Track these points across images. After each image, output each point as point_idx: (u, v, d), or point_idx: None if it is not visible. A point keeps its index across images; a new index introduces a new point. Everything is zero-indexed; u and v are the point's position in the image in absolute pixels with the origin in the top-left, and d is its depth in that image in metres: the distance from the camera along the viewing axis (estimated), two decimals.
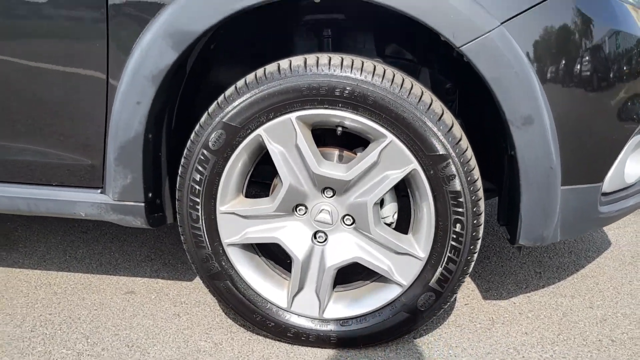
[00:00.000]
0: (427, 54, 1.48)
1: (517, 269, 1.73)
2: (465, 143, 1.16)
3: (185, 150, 1.25)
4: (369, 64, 1.16)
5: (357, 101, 1.14)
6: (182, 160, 1.26)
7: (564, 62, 1.13)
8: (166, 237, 1.96)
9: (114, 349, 1.32)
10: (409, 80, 1.16)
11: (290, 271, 1.31)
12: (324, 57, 1.17)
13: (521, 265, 1.75)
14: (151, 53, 1.18)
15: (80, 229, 2.02)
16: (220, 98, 1.21)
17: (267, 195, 1.32)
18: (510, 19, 1.09)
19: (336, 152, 1.29)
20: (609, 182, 1.27)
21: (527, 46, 1.11)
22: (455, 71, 1.45)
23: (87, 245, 1.90)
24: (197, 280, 1.66)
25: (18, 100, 1.28)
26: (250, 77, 1.20)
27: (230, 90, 1.21)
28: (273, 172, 1.27)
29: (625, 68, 1.19)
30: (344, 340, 1.31)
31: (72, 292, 1.59)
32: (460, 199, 1.16)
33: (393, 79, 1.14)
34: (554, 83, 1.13)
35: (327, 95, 1.15)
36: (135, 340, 1.36)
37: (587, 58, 1.15)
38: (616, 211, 1.31)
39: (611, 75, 1.17)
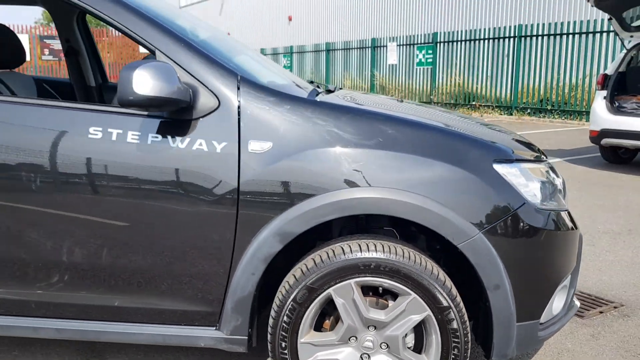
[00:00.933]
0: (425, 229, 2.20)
1: None
2: (459, 298, 1.89)
3: (277, 300, 1.91)
4: (399, 249, 1.88)
5: (393, 273, 1.85)
6: (275, 307, 1.91)
7: (515, 250, 1.90)
8: None
9: None
10: (424, 259, 1.89)
11: None
12: (371, 245, 1.88)
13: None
14: (265, 245, 1.85)
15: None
16: (304, 268, 1.89)
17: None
18: (486, 228, 1.85)
19: (374, 300, 1.98)
20: (544, 316, 2.03)
21: (495, 242, 1.86)
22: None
23: None
24: None
25: (167, 272, 1.90)
26: (324, 255, 1.88)
27: (311, 264, 1.89)
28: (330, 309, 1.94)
29: (549, 250, 1.97)
30: None
31: None
32: (457, 333, 1.88)
33: (415, 259, 1.86)
34: (510, 263, 1.89)
35: (374, 269, 1.86)
36: None
37: (526, 248, 1.92)
38: (548, 334, 2.06)
39: (542, 256, 1.95)
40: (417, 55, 16.64)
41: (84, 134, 1.85)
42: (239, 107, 1.86)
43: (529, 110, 14.02)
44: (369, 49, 19.32)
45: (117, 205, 1.86)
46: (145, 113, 1.86)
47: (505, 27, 14.66)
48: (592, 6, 6.73)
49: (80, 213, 1.88)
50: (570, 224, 2.10)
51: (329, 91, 2.52)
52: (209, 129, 1.85)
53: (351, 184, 1.84)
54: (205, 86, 1.86)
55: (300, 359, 1.93)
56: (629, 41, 7.19)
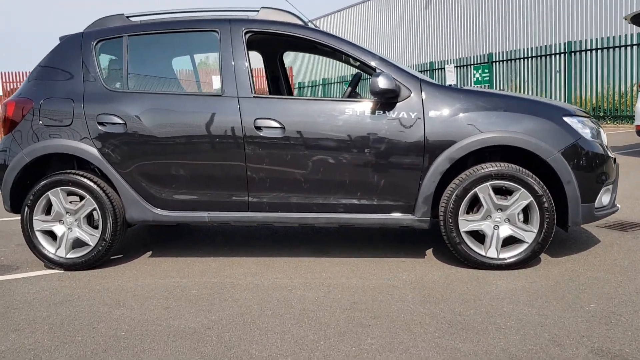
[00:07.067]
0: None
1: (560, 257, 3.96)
2: (547, 191, 3.46)
3: (446, 196, 3.51)
4: (512, 165, 3.47)
5: (510, 177, 3.45)
6: (445, 200, 3.52)
7: (577, 161, 3.46)
8: None
9: None
10: (524, 170, 3.47)
11: None
12: (496, 164, 3.49)
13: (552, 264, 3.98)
14: (440, 165, 3.47)
15: (318, 253, 4.22)
16: (462, 177, 3.50)
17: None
18: (561, 150, 3.43)
19: (501, 196, 3.57)
20: (596, 203, 3.57)
21: (566, 157, 3.43)
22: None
23: None
24: None
25: (388, 183, 3.57)
26: (472, 171, 3.50)
27: (464, 176, 3.50)
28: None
29: (596, 163, 3.53)
30: None
31: None
32: (548, 210, 3.44)
33: (520, 169, 3.45)
34: (576, 167, 3.45)
35: (499, 176, 3.46)
36: None
37: (583, 161, 3.48)
38: (600, 215, 3.60)
39: (592, 166, 3.51)
40: (474, 74, 18.17)
41: (344, 112, 3.58)
42: (422, 95, 3.54)
43: None
44: (427, 72, 20.99)
45: (361, 144, 3.54)
46: (374, 100, 3.55)
47: (556, 44, 16.05)
48: (628, 23, 8.17)
49: (340, 152, 3.57)
50: (609, 153, 3.65)
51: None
52: (407, 106, 3.53)
53: (479, 131, 3.46)
54: (405, 85, 3.55)
55: (460, 228, 3.53)
56: None
